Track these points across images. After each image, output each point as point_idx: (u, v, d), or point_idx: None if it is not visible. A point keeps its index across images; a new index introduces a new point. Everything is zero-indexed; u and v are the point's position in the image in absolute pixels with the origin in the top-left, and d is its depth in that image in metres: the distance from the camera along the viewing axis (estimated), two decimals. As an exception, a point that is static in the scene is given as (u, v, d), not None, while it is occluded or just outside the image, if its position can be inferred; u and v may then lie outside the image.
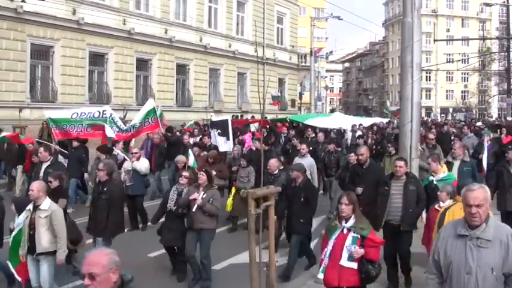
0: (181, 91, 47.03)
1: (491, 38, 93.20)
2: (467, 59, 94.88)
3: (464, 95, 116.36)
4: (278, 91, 57.93)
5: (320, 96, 76.94)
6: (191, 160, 18.13)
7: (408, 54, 16.13)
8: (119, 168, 18.71)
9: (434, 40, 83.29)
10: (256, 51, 51.09)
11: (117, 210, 13.21)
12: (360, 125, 35.74)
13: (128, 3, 40.09)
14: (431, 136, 21.59)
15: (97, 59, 38.75)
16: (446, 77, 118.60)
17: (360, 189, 14.63)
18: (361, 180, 15.20)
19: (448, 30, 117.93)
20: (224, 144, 23.87)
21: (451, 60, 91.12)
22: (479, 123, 47.33)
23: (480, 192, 6.32)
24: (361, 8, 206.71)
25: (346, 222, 9.12)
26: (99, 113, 23.00)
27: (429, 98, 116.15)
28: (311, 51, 60.48)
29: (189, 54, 46.73)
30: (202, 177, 12.94)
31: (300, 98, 68.52)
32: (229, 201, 18.15)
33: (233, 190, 18.38)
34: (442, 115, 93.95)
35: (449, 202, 11.47)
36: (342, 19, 59.49)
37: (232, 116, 43.09)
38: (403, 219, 12.19)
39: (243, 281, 10.28)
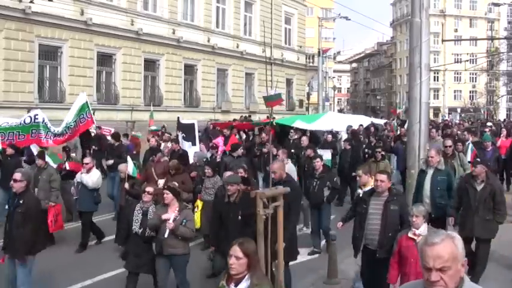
0: (189, 91, 47.05)
1: (499, 38, 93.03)
2: (476, 59, 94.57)
3: (473, 95, 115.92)
4: (283, 91, 57.89)
5: (328, 96, 77.01)
6: (130, 168, 16.04)
7: (416, 55, 16.11)
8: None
9: (442, 40, 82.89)
10: (264, 51, 51.09)
11: (34, 225, 10.97)
12: (361, 125, 32.16)
13: (136, 4, 40.14)
14: (448, 143, 18.28)
15: (105, 60, 38.82)
16: (454, 77, 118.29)
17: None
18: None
19: (456, 30, 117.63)
20: (189, 150, 22.14)
21: (459, 60, 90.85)
22: (489, 124, 46.82)
23: (445, 248, 4.19)
24: (368, 8, 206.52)
25: (236, 286, 6.24)
26: (31, 118, 20.90)
27: (437, 98, 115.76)
28: (319, 52, 60.35)
29: (197, 55, 46.74)
30: (168, 196, 11.14)
31: (308, 98, 68.47)
32: (197, 217, 15.18)
33: (198, 203, 15.98)
34: (450, 115, 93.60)
35: (424, 227, 9.54)
36: (349, 19, 59.33)
37: (241, 116, 43.08)
38: (381, 244, 10.43)
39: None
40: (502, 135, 28.52)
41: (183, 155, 20.71)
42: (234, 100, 50.98)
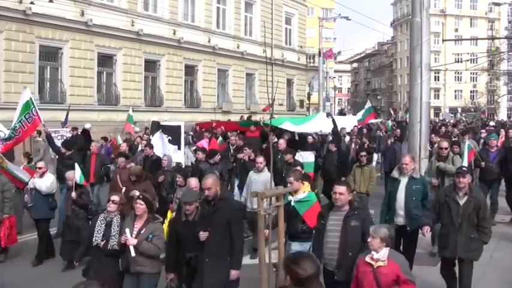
0: (190, 92, 47.04)
1: (500, 38, 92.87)
2: (476, 58, 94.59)
3: (473, 95, 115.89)
4: (284, 91, 58.02)
5: (328, 96, 76.89)
6: (77, 176, 14.85)
7: (417, 54, 16.14)
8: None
9: (443, 40, 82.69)
10: (264, 51, 51.07)
11: None
12: (355, 126, 31.04)
13: (136, 5, 40.14)
14: (444, 145, 16.42)
15: (105, 60, 38.83)
16: (455, 76, 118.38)
17: (203, 235, 9.76)
18: (207, 223, 9.87)
19: (456, 30, 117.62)
20: (174, 154, 20.28)
21: (459, 60, 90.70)
22: (492, 123, 46.39)
23: None
24: (369, 8, 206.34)
25: None
26: None
27: (438, 98, 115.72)
28: (319, 52, 60.35)
29: (198, 55, 46.74)
30: (140, 207, 10.14)
31: (309, 98, 68.56)
32: (166, 229, 12.47)
33: (169, 215, 13.87)
34: (451, 115, 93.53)
35: (384, 252, 8.38)
36: (350, 19, 59.35)
37: (241, 116, 43.02)
38: (339, 265, 9.26)
39: (251, 283, 10.07)
40: (500, 136, 25.96)
41: (157, 161, 19.16)
42: (235, 100, 50.97)
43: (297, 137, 27.91)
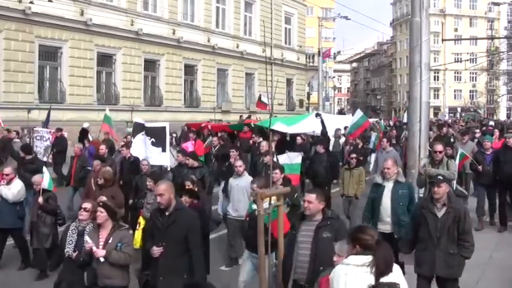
0: (190, 92, 47.09)
1: (499, 38, 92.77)
2: (476, 58, 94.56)
3: (473, 95, 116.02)
4: (283, 91, 58.02)
5: (328, 96, 77.00)
6: (45, 181, 13.89)
7: (416, 54, 16.12)
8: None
9: (442, 40, 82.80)
10: (264, 51, 51.08)
11: None
12: (338, 129, 29.81)
13: (136, 4, 40.16)
14: (438, 148, 15.47)
15: (105, 60, 38.86)
16: (455, 76, 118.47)
17: (156, 251, 8.93)
18: (162, 237, 8.99)
19: (456, 29, 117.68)
20: (158, 157, 18.93)
21: (459, 59, 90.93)
22: (491, 123, 45.90)
23: None
24: (368, 7, 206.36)
25: None
26: None
27: (437, 98, 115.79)
28: (319, 52, 60.39)
29: (197, 55, 46.77)
30: (100, 215, 9.29)
31: (308, 98, 68.55)
32: (137, 235, 12.25)
33: (141, 221, 12.84)
34: (451, 114, 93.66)
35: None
36: (349, 19, 59.38)
37: (240, 116, 43.04)
38: (309, 279, 8.41)
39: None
40: (494, 136, 25.19)
41: (135, 163, 18.06)
42: (235, 100, 51.01)
43: (288, 138, 27.10)
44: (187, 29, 45.04)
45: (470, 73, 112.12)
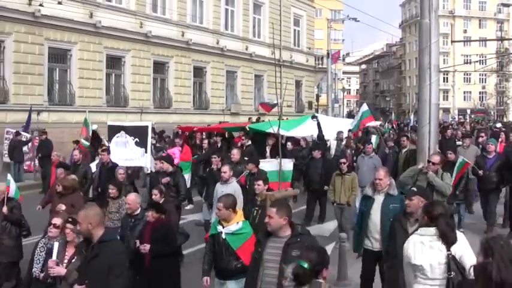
0: (199, 94, 47.06)
1: (509, 39, 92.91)
2: (485, 60, 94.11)
3: (482, 96, 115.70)
4: (292, 92, 57.93)
5: (337, 98, 76.94)
6: (12, 189, 12.90)
7: (426, 56, 16.08)
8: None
9: (452, 41, 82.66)
10: (273, 53, 51.04)
11: None
12: (340, 132, 28.13)
13: (145, 6, 40.19)
14: (434, 159, 13.90)
15: (114, 62, 38.91)
16: (464, 78, 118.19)
17: None
18: (85, 272, 7.78)
19: (465, 31, 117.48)
20: (141, 158, 18.04)
21: (468, 61, 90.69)
22: (498, 125, 44.80)
23: None
24: (377, 9, 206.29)
25: None
26: None
27: (447, 100, 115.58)
28: (328, 53, 60.32)
29: (206, 57, 46.78)
30: (70, 233, 8.60)
31: (317, 100, 68.44)
32: None
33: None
34: (460, 116, 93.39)
35: None
36: (358, 21, 59.37)
37: (249, 118, 43.00)
38: None
39: None
40: (500, 139, 23.86)
41: (113, 170, 16.60)
42: (244, 102, 50.98)
43: (284, 141, 25.70)
44: (196, 31, 45.04)
45: (479, 75, 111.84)
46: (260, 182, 12.54)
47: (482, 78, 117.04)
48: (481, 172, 17.23)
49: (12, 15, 31.34)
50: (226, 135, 30.56)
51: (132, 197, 11.65)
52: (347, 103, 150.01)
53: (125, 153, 18.07)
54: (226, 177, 13.83)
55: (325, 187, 18.69)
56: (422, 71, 16.26)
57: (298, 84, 61.06)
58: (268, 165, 19.79)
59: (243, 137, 25.49)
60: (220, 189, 13.50)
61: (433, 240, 7.30)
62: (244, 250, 9.08)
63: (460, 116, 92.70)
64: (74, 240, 8.66)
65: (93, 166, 18.66)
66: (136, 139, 18.31)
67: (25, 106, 31.84)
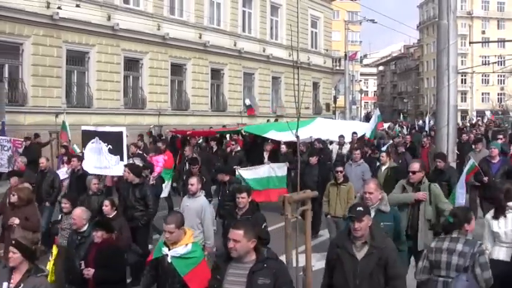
0: (216, 96, 47.08)
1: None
2: (504, 61, 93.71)
3: (501, 98, 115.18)
4: (310, 94, 57.84)
5: (355, 100, 76.88)
6: None
7: (444, 57, 16.07)
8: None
9: (470, 42, 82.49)
10: (290, 55, 51.01)
11: None
12: (354, 133, 26.91)
13: (162, 9, 40.26)
14: (413, 167, 11.46)
15: (132, 65, 38.97)
16: (482, 79, 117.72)
17: None
18: None
19: (483, 32, 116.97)
20: (115, 167, 16.17)
21: (486, 62, 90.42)
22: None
23: None
24: (395, 10, 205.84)
25: None
26: None
27: (465, 101, 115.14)
28: (345, 55, 60.21)
29: (223, 59, 46.78)
30: (13, 256, 7.47)
31: (335, 102, 68.41)
32: (50, 267, 9.52)
33: (54, 251, 9.90)
34: (478, 118, 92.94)
35: None
36: (376, 22, 59.33)
37: (267, 120, 42.93)
38: None
39: None
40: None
41: (82, 178, 16.23)
42: (261, 104, 50.87)
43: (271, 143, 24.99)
44: (214, 33, 45.04)
45: (498, 76, 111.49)
46: (244, 195, 11.18)
47: (501, 80, 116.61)
48: (485, 179, 15.73)
49: (30, 18, 31.45)
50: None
51: (77, 212, 10.61)
52: (364, 105, 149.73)
53: (99, 161, 16.45)
54: (193, 190, 12.24)
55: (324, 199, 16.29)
56: (441, 73, 16.25)
57: (315, 86, 60.92)
58: (263, 171, 20.46)
59: (232, 142, 24.44)
60: (185, 203, 12.37)
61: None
62: (193, 277, 7.98)
63: (479, 118, 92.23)
64: (20, 265, 7.49)
65: (62, 173, 18.14)
66: (110, 146, 16.42)
67: (44, 108, 31.98)
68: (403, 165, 19.30)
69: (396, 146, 23.58)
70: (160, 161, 19.77)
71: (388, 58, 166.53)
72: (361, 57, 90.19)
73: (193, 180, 12.43)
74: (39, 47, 32.18)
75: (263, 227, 10.39)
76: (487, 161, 16.18)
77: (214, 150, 26.44)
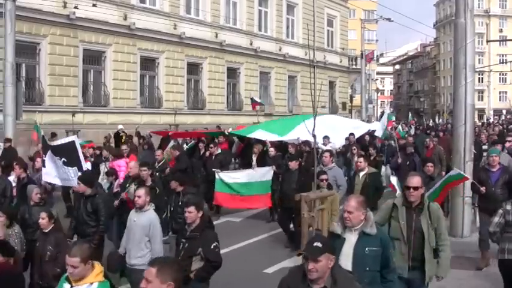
0: (232, 95, 47.17)
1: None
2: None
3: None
4: (326, 93, 57.77)
5: (371, 99, 76.63)
6: None
7: (461, 56, 15.99)
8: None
9: (487, 41, 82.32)
10: (306, 54, 50.96)
11: None
12: (351, 135, 25.40)
13: (179, 8, 40.33)
14: (413, 182, 8.84)
15: (148, 64, 39.07)
16: (500, 78, 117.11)
17: None
18: None
19: (500, 30, 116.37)
20: (74, 179, 14.49)
21: (504, 61, 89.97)
22: None
23: None
24: (411, 9, 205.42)
25: None
26: None
27: (481, 100, 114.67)
28: (362, 54, 60.09)
29: (240, 58, 46.84)
30: None
31: (351, 101, 68.25)
32: None
33: None
34: (496, 117, 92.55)
35: None
36: (392, 21, 59.10)
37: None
38: None
39: None
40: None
41: (26, 186, 14.95)
42: (277, 103, 50.88)
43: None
44: (230, 32, 45.09)
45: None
46: (191, 209, 9.30)
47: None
48: (482, 189, 13.84)
49: (47, 18, 31.61)
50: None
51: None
52: (381, 104, 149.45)
53: (59, 173, 15.32)
54: (140, 203, 10.41)
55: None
56: (458, 71, 16.17)
57: (332, 85, 60.92)
58: (245, 174, 19.66)
59: (211, 145, 21.87)
60: (132, 218, 10.61)
61: None
62: None
63: (496, 117, 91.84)
64: None
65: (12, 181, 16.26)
66: (64, 159, 15.16)
67: (61, 107, 32.12)
68: (411, 167, 19.44)
69: (403, 147, 21.96)
70: (122, 165, 18.12)
71: (405, 57, 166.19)
72: (377, 56, 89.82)
73: (141, 192, 10.56)
74: (56, 46, 32.32)
75: (212, 247, 8.95)
76: (486, 170, 14.24)
77: (201, 153, 23.54)
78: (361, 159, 15.63)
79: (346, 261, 7.34)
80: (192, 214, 9.22)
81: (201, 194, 13.81)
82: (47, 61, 32.06)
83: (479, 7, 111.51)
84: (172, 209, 13.07)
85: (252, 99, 42.93)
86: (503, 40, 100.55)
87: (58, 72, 32.40)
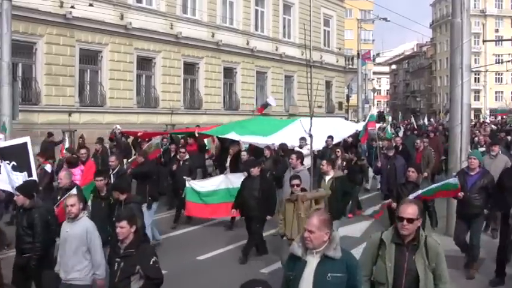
0: (229, 94, 47.15)
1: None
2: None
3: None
4: (322, 93, 57.75)
5: (367, 98, 76.63)
6: None
7: (457, 56, 16.02)
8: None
9: (483, 41, 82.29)
10: (303, 54, 50.92)
11: None
12: (330, 137, 23.89)
13: (175, 8, 40.30)
14: (408, 212, 6.99)
15: (145, 63, 39.03)
16: (496, 78, 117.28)
17: None
18: None
19: (497, 30, 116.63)
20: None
21: (500, 61, 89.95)
22: None
23: None
24: (407, 9, 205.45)
25: None
26: None
27: (478, 100, 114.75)
28: (358, 54, 60.12)
29: (236, 58, 46.81)
30: None
31: (347, 100, 68.27)
32: None
33: None
34: (492, 117, 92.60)
35: None
36: (388, 21, 59.24)
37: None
38: None
39: None
40: None
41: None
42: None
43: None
44: (226, 32, 45.06)
45: (511, 74, 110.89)
46: (123, 224, 8.24)
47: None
48: (460, 194, 12.94)
49: (44, 18, 31.56)
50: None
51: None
52: (377, 103, 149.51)
53: (10, 179, 14.08)
54: (74, 212, 9.53)
55: (268, 217, 14.96)
56: (454, 71, 16.20)
57: (328, 84, 60.88)
58: (214, 181, 18.94)
59: (182, 149, 20.13)
60: (65, 230, 9.73)
61: None
62: None
63: (492, 117, 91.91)
64: None
65: None
66: (13, 162, 14.19)
67: (57, 107, 32.08)
68: (391, 172, 18.64)
69: (387, 149, 20.50)
70: (77, 174, 16.19)
71: (401, 57, 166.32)
72: (373, 55, 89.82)
73: (72, 200, 9.61)
74: (52, 46, 32.28)
75: (152, 263, 8.07)
76: (464, 173, 13.34)
77: (172, 155, 22.21)
78: (324, 162, 14.41)
79: (306, 286, 6.47)
80: (124, 230, 8.18)
81: (139, 207, 12.10)
82: (44, 61, 32.01)
83: (475, 7, 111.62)
84: (114, 219, 10.41)
85: (265, 104, 41.67)
86: (499, 40, 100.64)
87: (54, 72, 32.35)
